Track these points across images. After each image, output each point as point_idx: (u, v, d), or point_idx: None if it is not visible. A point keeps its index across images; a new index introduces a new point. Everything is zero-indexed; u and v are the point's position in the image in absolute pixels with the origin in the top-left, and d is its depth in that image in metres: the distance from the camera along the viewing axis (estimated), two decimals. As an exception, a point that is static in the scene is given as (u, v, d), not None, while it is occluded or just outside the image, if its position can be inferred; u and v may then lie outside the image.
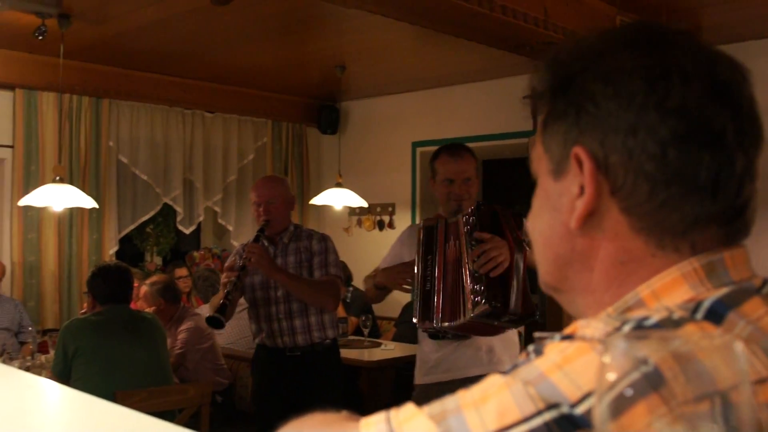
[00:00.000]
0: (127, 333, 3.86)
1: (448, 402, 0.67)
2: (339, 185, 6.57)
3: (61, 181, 4.96)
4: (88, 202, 5.01)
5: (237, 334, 5.45)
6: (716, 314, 0.67)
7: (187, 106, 6.99)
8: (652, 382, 0.54)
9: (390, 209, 7.54)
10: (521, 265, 2.69)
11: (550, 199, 0.82)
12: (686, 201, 0.73)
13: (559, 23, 4.00)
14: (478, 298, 2.66)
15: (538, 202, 0.85)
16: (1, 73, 5.81)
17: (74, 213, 6.12)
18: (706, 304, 0.68)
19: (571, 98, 0.78)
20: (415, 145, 7.33)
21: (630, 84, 0.74)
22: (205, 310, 5.49)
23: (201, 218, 7.16)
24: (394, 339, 6.10)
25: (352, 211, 7.71)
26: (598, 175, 0.75)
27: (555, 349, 0.65)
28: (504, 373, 0.67)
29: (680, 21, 4.95)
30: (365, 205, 6.95)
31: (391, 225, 7.53)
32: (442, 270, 2.87)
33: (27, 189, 5.56)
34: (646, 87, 0.73)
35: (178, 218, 6.96)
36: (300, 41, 5.61)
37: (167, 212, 7.14)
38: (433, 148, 3.25)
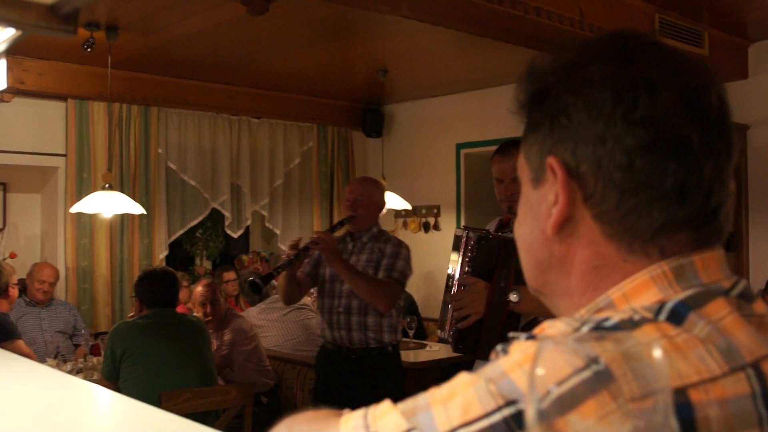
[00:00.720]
0: (173, 335, 3.95)
1: (420, 399, 0.70)
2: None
3: (110, 188, 5.08)
4: (136, 209, 5.13)
5: (283, 336, 5.53)
6: (677, 315, 0.70)
7: (233, 112, 7.09)
8: (602, 380, 0.57)
9: (435, 211, 7.55)
10: (499, 314, 2.65)
11: (531, 207, 0.85)
12: (654, 207, 0.75)
13: (595, 23, 3.97)
14: (450, 339, 2.77)
15: (521, 209, 0.88)
16: (54, 85, 5.98)
17: (125, 219, 6.25)
18: (668, 306, 0.71)
19: (546, 109, 0.81)
20: (459, 146, 7.30)
21: (599, 95, 0.76)
22: (252, 313, 5.59)
23: (249, 222, 7.25)
24: (440, 340, 6.11)
25: (397, 214, 7.73)
26: (571, 184, 0.78)
27: (518, 348, 0.68)
28: (472, 371, 0.71)
29: (722, 16, 4.88)
30: (410, 207, 6.96)
31: (436, 227, 7.55)
32: (456, 286, 2.83)
33: (80, 196, 5.70)
34: (614, 98, 0.76)
35: (227, 223, 7.08)
36: (342, 46, 5.67)
37: (216, 217, 7.27)
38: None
